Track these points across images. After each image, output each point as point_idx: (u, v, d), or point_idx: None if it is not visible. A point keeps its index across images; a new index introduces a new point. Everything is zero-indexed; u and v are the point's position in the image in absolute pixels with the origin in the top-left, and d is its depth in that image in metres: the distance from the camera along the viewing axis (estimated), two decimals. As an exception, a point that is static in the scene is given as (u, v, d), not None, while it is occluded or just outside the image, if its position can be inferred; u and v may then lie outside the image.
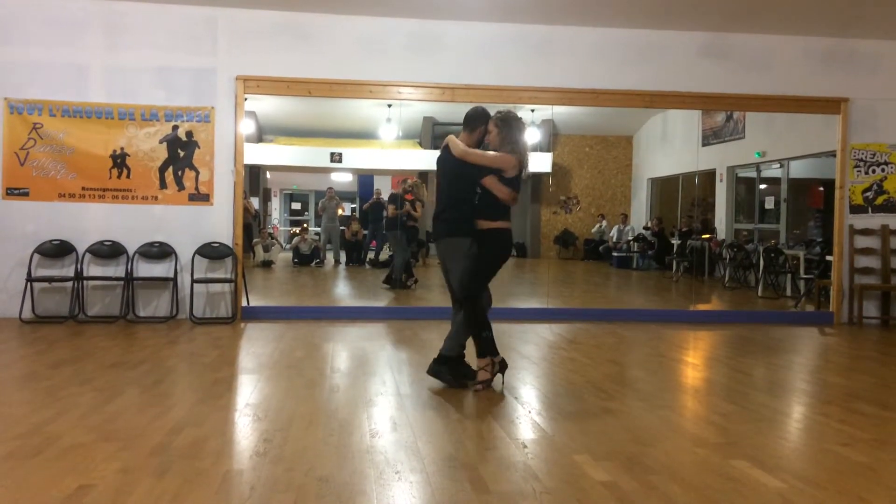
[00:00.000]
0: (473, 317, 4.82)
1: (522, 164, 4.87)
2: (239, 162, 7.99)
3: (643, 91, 8.51)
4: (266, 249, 13.61)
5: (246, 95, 8.03)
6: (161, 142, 7.90)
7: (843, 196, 8.79)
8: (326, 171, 15.01)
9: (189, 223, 7.92)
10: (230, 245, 7.96)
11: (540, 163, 13.51)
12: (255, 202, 13.86)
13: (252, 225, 12.78)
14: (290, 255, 14.21)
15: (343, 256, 14.24)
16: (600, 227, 14.51)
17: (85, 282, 7.77)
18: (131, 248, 7.83)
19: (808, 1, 7.59)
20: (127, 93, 7.84)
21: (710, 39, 8.55)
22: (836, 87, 8.68)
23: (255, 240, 13.34)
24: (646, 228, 14.17)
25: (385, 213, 11.22)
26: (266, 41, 8.01)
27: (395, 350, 6.50)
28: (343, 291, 11.80)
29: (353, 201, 16.72)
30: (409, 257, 10.95)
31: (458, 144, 4.89)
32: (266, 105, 11.90)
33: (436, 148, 5.10)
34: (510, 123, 4.89)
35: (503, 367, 4.97)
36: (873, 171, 8.79)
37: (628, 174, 14.64)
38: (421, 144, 13.48)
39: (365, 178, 15.95)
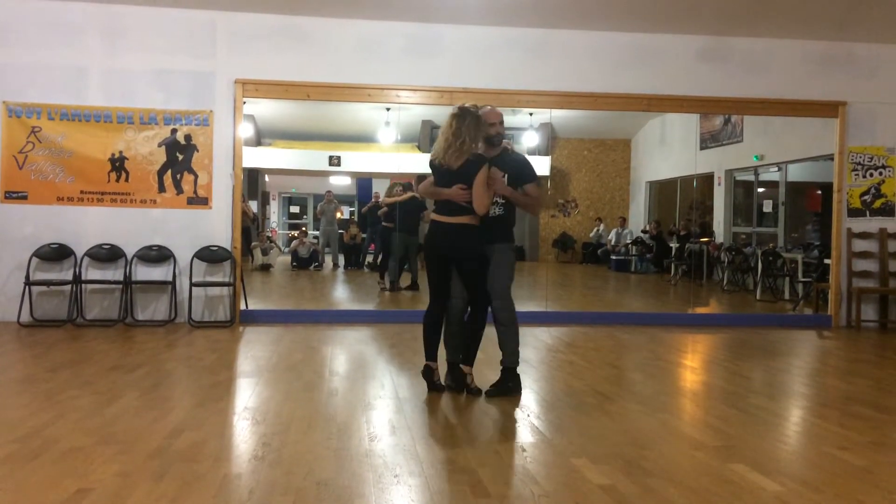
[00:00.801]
0: None
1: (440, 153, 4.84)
2: (237, 165, 7.99)
3: (641, 95, 8.53)
4: (265, 253, 13.60)
5: (245, 99, 8.03)
6: (160, 145, 7.90)
7: (840, 199, 8.80)
8: (325, 174, 15.02)
9: (188, 227, 7.92)
10: (229, 248, 7.96)
11: (538, 166, 13.51)
12: (253, 205, 13.86)
13: (250, 228, 12.78)
14: (288, 258, 14.20)
15: (342, 260, 14.23)
16: (597, 230, 14.52)
17: (83, 285, 7.76)
18: (130, 251, 7.82)
19: (806, 5, 7.61)
20: (126, 96, 7.84)
21: (708, 43, 8.56)
22: (833, 91, 8.70)
23: (253, 243, 13.33)
24: (644, 232, 14.18)
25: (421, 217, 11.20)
26: (265, 45, 8.01)
27: (394, 353, 6.50)
28: (342, 295, 11.80)
29: (351, 205, 16.72)
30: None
31: None
32: (264, 108, 11.90)
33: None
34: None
35: (454, 376, 4.97)
36: (871, 175, 8.80)
37: (626, 177, 14.65)
38: (419, 148, 13.47)
39: (363, 182, 15.95)
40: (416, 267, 10.93)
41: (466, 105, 4.85)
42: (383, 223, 11.40)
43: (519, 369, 4.97)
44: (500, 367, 4.96)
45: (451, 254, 4.85)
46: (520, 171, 5.00)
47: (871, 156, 8.80)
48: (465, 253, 4.82)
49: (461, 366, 4.93)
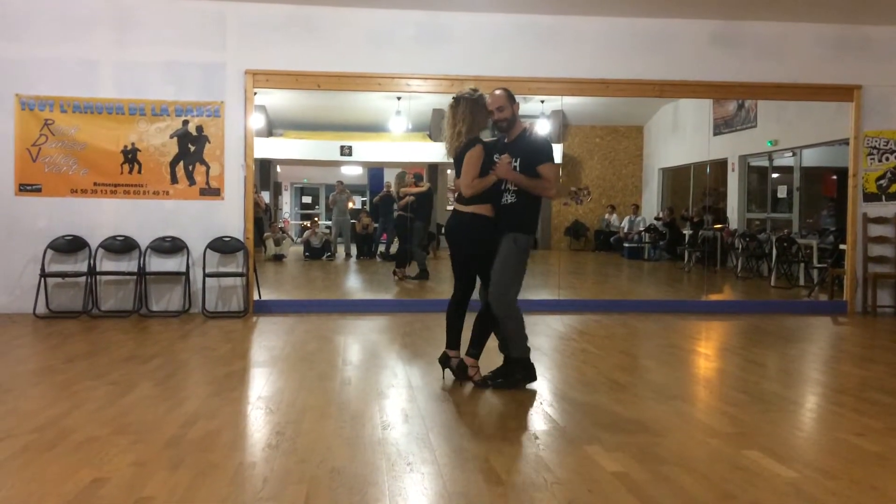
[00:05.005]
0: None
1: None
2: (249, 156, 8.01)
3: (653, 80, 8.46)
4: (277, 243, 13.64)
5: (255, 89, 8.04)
6: (171, 137, 7.93)
7: (856, 184, 8.72)
8: (336, 164, 15.02)
9: (200, 218, 7.95)
10: (241, 239, 7.99)
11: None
12: (265, 196, 13.88)
13: (263, 219, 12.81)
14: (301, 248, 14.24)
15: (354, 249, 14.26)
16: (608, 217, 14.44)
17: (98, 277, 7.82)
18: (143, 242, 7.87)
19: (820, -13, 7.53)
20: (137, 88, 7.87)
21: (720, 27, 8.48)
22: (848, 75, 8.60)
23: (265, 234, 13.37)
24: (657, 219, 14.10)
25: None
26: (275, 35, 8.01)
27: (407, 342, 6.51)
28: (354, 284, 11.83)
29: (363, 194, 16.72)
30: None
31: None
32: (275, 99, 11.90)
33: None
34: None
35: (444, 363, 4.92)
36: (887, 159, 8.71)
37: (639, 164, 14.56)
38: (430, 137, 13.44)
39: (375, 171, 15.95)
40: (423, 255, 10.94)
41: (463, 92, 4.75)
42: (400, 212, 11.37)
43: (533, 358, 4.85)
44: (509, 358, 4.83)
45: (449, 244, 4.87)
46: (532, 152, 4.68)
47: (886, 140, 8.70)
48: (456, 246, 4.83)
49: (463, 358, 4.81)
